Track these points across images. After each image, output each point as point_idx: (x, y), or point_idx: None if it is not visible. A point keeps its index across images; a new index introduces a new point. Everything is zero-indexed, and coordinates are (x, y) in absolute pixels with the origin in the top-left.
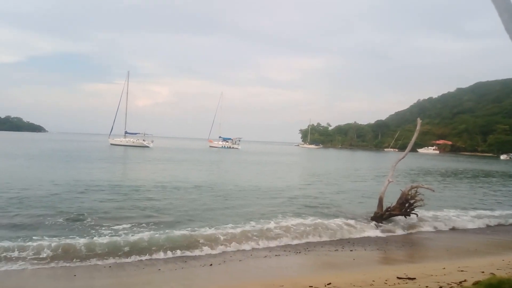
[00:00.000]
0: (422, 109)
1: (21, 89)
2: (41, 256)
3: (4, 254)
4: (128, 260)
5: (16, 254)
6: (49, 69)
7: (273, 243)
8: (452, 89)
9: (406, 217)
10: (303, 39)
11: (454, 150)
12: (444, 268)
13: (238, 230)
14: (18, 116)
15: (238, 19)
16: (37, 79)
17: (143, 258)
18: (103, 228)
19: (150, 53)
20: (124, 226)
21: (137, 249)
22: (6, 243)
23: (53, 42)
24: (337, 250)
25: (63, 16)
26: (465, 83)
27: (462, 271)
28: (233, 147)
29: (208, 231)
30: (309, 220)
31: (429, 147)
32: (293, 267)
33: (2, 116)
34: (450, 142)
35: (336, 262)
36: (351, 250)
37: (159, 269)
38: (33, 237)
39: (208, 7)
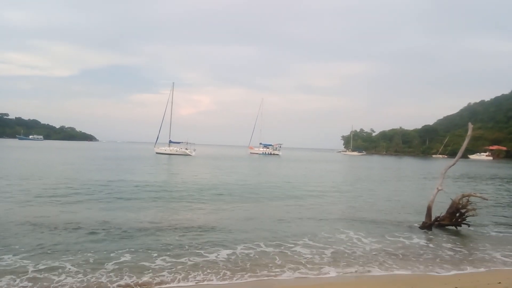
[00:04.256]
0: (474, 113)
1: (74, 100)
2: None
3: None
4: None
5: None
6: (100, 82)
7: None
8: (506, 91)
9: (456, 228)
10: (344, 45)
11: (509, 156)
12: (500, 283)
13: (330, 250)
14: (72, 126)
15: (278, 29)
16: (88, 91)
17: None
18: None
19: (193, 64)
20: None
21: None
22: None
23: (103, 56)
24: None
25: (113, 31)
26: None
27: None
28: (273, 154)
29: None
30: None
31: (481, 153)
32: None
33: (57, 126)
34: (505, 148)
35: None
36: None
37: None
38: None
39: (247, 19)
